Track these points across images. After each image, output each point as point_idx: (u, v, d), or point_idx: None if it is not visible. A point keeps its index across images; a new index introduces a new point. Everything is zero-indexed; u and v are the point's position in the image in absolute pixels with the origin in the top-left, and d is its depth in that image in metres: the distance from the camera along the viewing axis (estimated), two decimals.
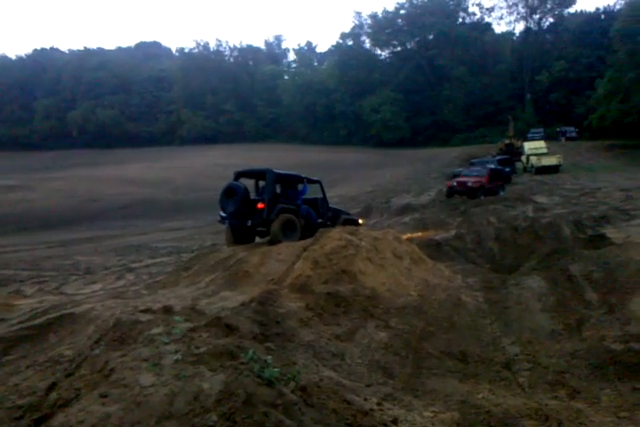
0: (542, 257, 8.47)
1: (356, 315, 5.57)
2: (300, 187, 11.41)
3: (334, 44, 78.68)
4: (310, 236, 9.21)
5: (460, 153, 47.17)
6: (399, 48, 72.41)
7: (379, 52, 75.57)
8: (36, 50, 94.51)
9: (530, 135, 47.35)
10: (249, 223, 10.06)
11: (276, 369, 2.93)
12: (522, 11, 67.33)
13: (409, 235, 12.50)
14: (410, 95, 65.57)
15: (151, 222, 25.32)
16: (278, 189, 11.01)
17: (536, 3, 65.24)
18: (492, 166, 25.64)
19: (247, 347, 3.43)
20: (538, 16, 66.52)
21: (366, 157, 51.63)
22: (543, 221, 12.21)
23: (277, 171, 10.61)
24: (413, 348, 5.00)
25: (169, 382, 2.73)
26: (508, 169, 28.42)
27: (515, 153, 36.42)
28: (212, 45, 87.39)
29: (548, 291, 6.63)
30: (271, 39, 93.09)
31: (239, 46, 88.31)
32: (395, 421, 3.11)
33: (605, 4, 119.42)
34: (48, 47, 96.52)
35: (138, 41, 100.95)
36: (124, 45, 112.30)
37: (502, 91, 64.13)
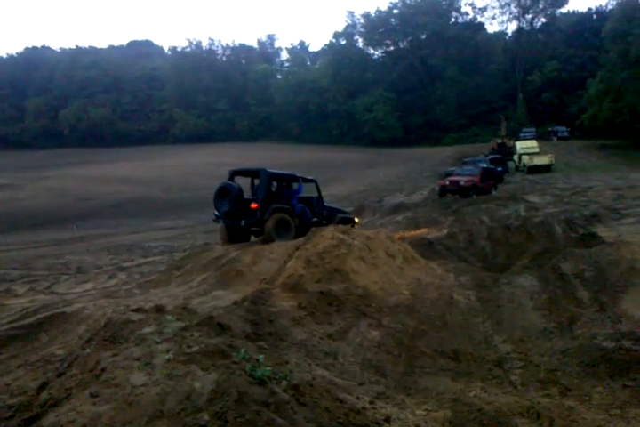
0: (534, 256, 8.48)
1: (348, 314, 5.56)
2: (295, 186, 11.43)
3: (327, 43, 78.92)
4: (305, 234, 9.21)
5: (453, 152, 47.36)
6: (392, 47, 72.69)
7: (371, 51, 75.99)
8: (27, 48, 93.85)
9: (522, 135, 47.60)
10: (242, 223, 10.08)
11: (268, 368, 2.92)
12: (514, 11, 67.92)
13: (401, 234, 12.51)
14: (402, 94, 65.79)
15: (143, 221, 25.23)
16: (273, 189, 11.02)
17: (528, 3, 65.68)
18: (485, 166, 25.74)
19: (239, 346, 3.42)
20: (530, 16, 67.04)
21: (359, 157, 51.68)
22: (535, 220, 12.25)
23: (271, 170, 10.63)
24: (406, 346, 5.00)
25: (160, 381, 2.72)
26: (500, 168, 28.58)
27: (507, 152, 36.68)
28: (205, 44, 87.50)
29: (540, 289, 6.66)
30: (264, 38, 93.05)
31: (232, 45, 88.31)
32: (387, 419, 3.11)
33: (597, 5, 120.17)
34: (40, 46, 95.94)
35: (130, 39, 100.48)
36: (116, 44, 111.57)
37: (495, 90, 64.50)
